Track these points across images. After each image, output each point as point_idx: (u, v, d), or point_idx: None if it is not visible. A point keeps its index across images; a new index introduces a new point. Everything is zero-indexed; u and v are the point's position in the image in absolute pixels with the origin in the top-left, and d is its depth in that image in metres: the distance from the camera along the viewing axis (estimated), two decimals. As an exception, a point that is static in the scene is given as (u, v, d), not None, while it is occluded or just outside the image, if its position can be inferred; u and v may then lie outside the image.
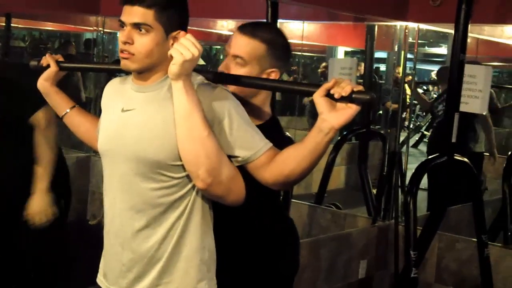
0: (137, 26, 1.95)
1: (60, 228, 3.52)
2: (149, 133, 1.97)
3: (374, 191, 5.29)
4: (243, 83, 2.14)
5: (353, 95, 1.85)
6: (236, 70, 2.22)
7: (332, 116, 1.88)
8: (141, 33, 1.95)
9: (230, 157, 1.97)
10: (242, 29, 2.26)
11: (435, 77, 16.27)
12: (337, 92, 1.86)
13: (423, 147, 9.52)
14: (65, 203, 3.60)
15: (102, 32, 6.44)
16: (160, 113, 1.97)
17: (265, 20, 3.89)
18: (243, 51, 2.22)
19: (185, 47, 1.86)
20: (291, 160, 1.96)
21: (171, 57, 1.87)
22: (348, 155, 7.26)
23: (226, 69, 2.22)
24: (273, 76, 2.26)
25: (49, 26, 10.33)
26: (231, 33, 2.34)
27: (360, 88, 1.87)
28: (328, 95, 1.88)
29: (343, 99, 1.86)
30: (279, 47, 2.28)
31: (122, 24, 1.98)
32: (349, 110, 1.88)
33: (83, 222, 5.97)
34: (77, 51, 9.33)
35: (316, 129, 1.92)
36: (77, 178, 5.89)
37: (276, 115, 4.09)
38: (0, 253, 3.33)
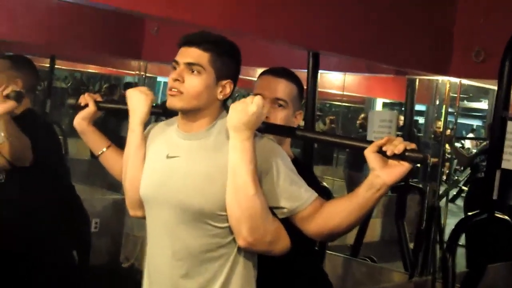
0: (190, 66, 1.98)
1: (74, 278, 3.40)
2: (194, 182, 1.96)
3: (411, 245, 5.21)
4: (296, 136, 2.15)
5: (406, 153, 1.84)
6: (279, 113, 2.25)
7: (385, 173, 1.86)
8: (193, 74, 1.98)
9: (276, 208, 1.96)
10: (276, 73, 2.31)
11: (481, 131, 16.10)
12: (389, 150, 1.85)
13: (460, 202, 9.38)
14: (81, 253, 3.47)
15: (144, 76, 6.53)
16: (205, 162, 1.97)
17: (306, 70, 3.92)
18: (284, 94, 2.26)
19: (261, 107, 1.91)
20: (338, 213, 1.94)
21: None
22: (384, 208, 7.18)
23: (267, 113, 2.21)
24: (299, 117, 2.34)
25: (91, 69, 10.48)
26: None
27: (413, 146, 1.86)
28: (380, 151, 1.87)
29: (395, 156, 1.85)
30: (302, 89, 2.37)
31: (175, 65, 2.01)
32: (401, 168, 1.86)
33: (116, 264, 5.97)
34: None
35: (367, 185, 1.89)
36: (112, 220, 5.91)
37: (313, 164, 4.11)
38: None
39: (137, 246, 5.87)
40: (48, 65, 7.35)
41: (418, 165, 6.78)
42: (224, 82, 2.02)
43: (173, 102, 2.00)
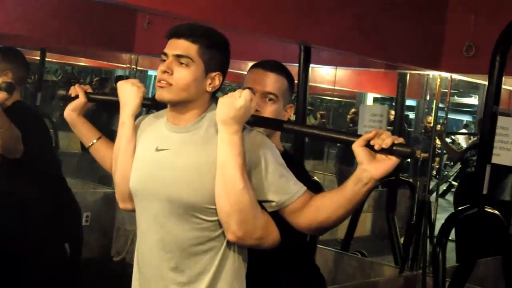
0: (179, 58, 1.97)
1: (66, 271, 3.40)
2: (183, 175, 1.96)
3: (401, 240, 5.23)
4: (284, 129, 2.14)
5: (394, 147, 1.84)
6: (269, 106, 2.24)
7: (373, 167, 1.86)
8: (182, 66, 1.98)
9: (264, 202, 1.96)
10: (266, 66, 2.29)
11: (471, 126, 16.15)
12: (377, 144, 1.84)
13: (450, 197, 9.42)
14: (73, 246, 3.45)
15: (135, 69, 6.53)
16: (195, 155, 1.96)
17: (297, 64, 3.92)
18: (275, 88, 2.25)
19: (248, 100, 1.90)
20: (326, 207, 1.94)
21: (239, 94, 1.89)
22: (375, 202, 7.21)
23: (258, 107, 2.21)
24: (290, 111, 2.32)
25: (82, 62, 10.44)
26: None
27: (401, 140, 1.85)
28: (368, 145, 1.87)
29: (383, 150, 1.85)
30: (293, 83, 2.34)
31: (164, 57, 2.00)
32: (389, 162, 1.86)
33: (108, 258, 5.97)
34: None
35: (354, 179, 1.89)
36: (103, 214, 5.91)
37: (304, 158, 4.11)
38: None
39: (128, 240, 5.88)
40: (38, 58, 7.33)
41: (408, 159, 6.80)
42: (213, 74, 2.01)
43: (162, 94, 2.00)
